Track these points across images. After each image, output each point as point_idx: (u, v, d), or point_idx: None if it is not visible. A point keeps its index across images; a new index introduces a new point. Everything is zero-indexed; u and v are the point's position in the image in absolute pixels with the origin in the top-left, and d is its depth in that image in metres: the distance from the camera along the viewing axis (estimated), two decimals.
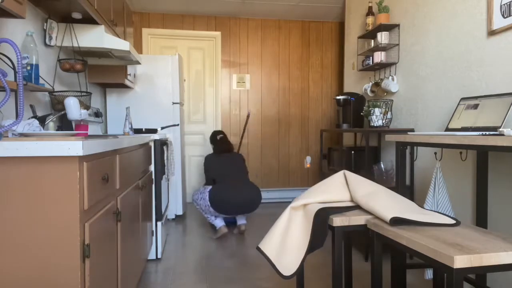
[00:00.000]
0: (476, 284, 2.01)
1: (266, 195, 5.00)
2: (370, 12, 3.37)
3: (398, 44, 3.11)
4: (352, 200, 1.82)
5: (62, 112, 2.16)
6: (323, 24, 5.17)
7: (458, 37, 2.43)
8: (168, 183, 3.44)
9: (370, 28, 3.34)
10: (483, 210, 2.12)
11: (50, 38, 2.32)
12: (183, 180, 4.16)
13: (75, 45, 2.45)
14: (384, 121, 3.01)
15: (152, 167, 2.74)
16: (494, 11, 2.09)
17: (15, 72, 1.61)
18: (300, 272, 1.90)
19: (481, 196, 2.13)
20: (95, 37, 2.48)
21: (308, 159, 5.16)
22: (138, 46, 4.70)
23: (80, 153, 1.10)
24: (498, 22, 2.07)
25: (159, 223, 2.79)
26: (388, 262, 2.61)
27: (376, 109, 3.01)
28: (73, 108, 2.09)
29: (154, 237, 2.77)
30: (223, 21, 4.89)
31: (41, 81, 2.17)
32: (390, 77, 3.21)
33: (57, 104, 2.21)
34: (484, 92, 2.21)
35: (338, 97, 3.44)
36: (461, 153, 2.37)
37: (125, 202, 1.76)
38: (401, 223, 1.48)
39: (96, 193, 1.29)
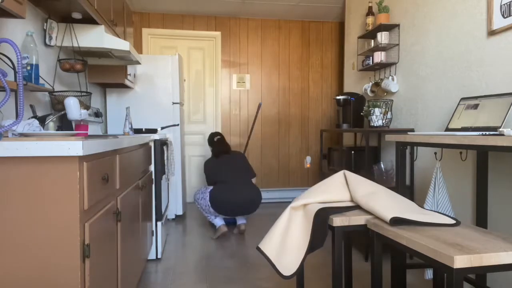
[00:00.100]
0: (476, 284, 2.01)
1: (266, 195, 5.00)
2: (370, 12, 3.37)
3: (398, 44, 3.11)
4: (352, 200, 1.82)
5: (62, 112, 2.16)
6: (323, 24, 5.17)
7: (458, 37, 2.43)
8: (168, 183, 3.44)
9: (370, 28, 3.34)
10: (483, 210, 2.12)
11: (50, 38, 2.32)
12: (183, 180, 4.16)
13: (75, 45, 2.45)
14: (384, 121, 3.01)
15: (152, 167, 2.74)
16: (494, 11, 2.09)
17: (15, 72, 1.61)
18: (300, 272, 1.90)
19: (481, 196, 2.13)
20: (95, 37, 2.48)
21: (308, 159, 5.16)
22: (138, 46, 4.70)
23: (80, 153, 1.10)
24: (498, 22, 2.07)
25: (159, 223, 2.80)
26: (388, 262, 2.61)
27: (376, 109, 3.01)
28: (73, 108, 2.09)
29: (154, 237, 2.77)
30: (223, 21, 4.90)
31: (41, 81, 2.17)
32: (390, 77, 3.21)
33: (57, 104, 2.21)
34: (484, 92, 2.21)
35: (338, 97, 3.44)
36: (461, 153, 2.37)
37: (125, 202, 1.76)
38: (401, 223, 1.48)
39: (96, 193, 1.29)
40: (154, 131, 3.30)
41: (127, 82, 3.34)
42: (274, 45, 5.05)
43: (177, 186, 4.01)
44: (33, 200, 1.10)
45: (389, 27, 3.14)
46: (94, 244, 1.26)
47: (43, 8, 2.23)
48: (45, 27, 2.28)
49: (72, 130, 2.37)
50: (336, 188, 1.82)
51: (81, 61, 2.35)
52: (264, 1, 4.38)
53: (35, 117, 1.94)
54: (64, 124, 2.34)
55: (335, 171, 2.08)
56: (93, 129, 2.94)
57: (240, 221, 3.50)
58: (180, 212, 4.05)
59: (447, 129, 2.25)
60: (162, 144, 2.84)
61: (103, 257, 1.38)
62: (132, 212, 1.95)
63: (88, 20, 2.42)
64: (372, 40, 3.43)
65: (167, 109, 3.92)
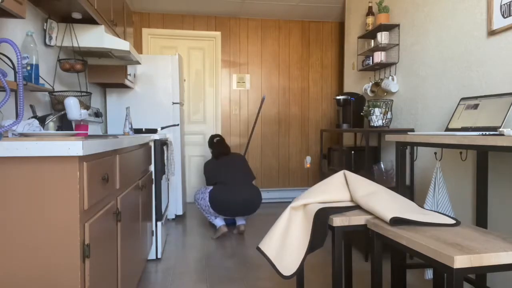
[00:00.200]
0: (476, 284, 2.01)
1: (266, 195, 5.00)
2: (370, 12, 3.37)
3: (398, 44, 3.11)
4: (352, 200, 1.82)
5: (62, 112, 2.16)
6: (323, 24, 5.17)
7: (458, 37, 2.43)
8: (168, 183, 3.44)
9: (370, 28, 3.34)
10: (483, 210, 2.12)
11: (50, 38, 2.32)
12: (183, 180, 4.16)
13: (75, 45, 2.45)
14: (384, 121, 3.01)
15: (152, 167, 2.74)
16: (494, 11, 2.09)
17: (15, 72, 1.61)
18: (300, 272, 1.90)
19: (481, 196, 2.13)
20: (95, 37, 2.48)
21: (308, 159, 5.16)
22: (138, 46, 4.70)
23: (80, 153, 1.10)
24: (498, 22, 2.07)
25: (159, 223, 2.80)
26: (388, 262, 2.61)
27: (376, 109, 3.01)
28: (73, 108, 2.09)
29: (154, 237, 2.77)
30: (223, 21, 4.90)
31: (41, 81, 2.17)
32: (390, 77, 3.21)
33: (57, 104, 2.21)
34: (484, 92, 2.21)
35: (338, 97, 3.44)
36: (461, 153, 2.37)
37: (125, 202, 1.76)
38: (401, 223, 1.48)
39: (96, 193, 1.29)
40: (154, 131, 3.30)
41: (127, 82, 3.34)
42: (274, 45, 5.05)
43: (177, 186, 4.01)
44: (33, 200, 1.10)
45: (389, 27, 3.14)
46: (94, 244, 1.26)
47: (43, 8, 2.23)
48: (45, 27, 2.28)
49: (72, 130, 2.37)
50: (336, 188, 1.82)
51: (81, 61, 2.35)
52: (264, 1, 4.38)
53: (35, 117, 1.94)
54: (64, 124, 2.34)
55: (335, 171, 2.08)
56: (93, 129, 2.94)
57: (240, 221, 3.50)
58: (180, 212, 4.05)
59: (447, 129, 2.25)
60: (162, 144, 2.84)
61: (103, 257, 1.38)
62: (132, 212, 1.95)
63: (88, 20, 2.42)
64: (372, 40, 3.43)
65: (167, 109, 3.92)
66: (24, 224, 1.10)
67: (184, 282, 2.39)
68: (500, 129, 1.62)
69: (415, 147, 2.74)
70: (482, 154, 2.12)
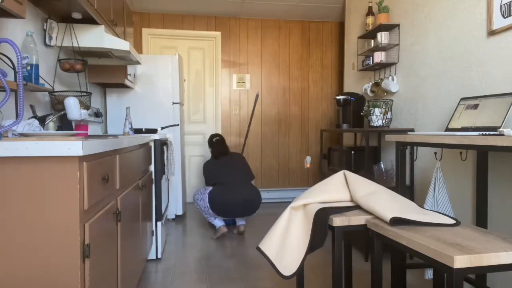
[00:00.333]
0: (476, 284, 2.01)
1: (266, 195, 5.00)
2: (370, 12, 3.37)
3: (398, 44, 3.11)
4: (352, 200, 1.82)
5: (62, 112, 2.16)
6: (323, 24, 5.17)
7: (458, 37, 2.43)
8: (168, 183, 3.44)
9: (370, 28, 3.34)
10: (483, 210, 2.12)
11: (50, 38, 2.32)
12: (183, 180, 4.16)
13: (75, 45, 2.45)
14: (384, 121, 3.01)
15: (152, 167, 2.74)
16: (494, 11, 2.09)
17: (15, 72, 1.61)
18: (300, 272, 1.90)
19: (481, 196, 2.13)
20: (95, 37, 2.48)
21: (308, 159, 5.16)
22: (138, 46, 4.70)
23: (80, 153, 1.10)
24: (498, 22, 2.07)
25: (159, 223, 2.80)
26: (388, 262, 2.61)
27: (376, 109, 3.01)
28: (73, 108, 2.09)
29: (154, 237, 2.77)
30: (223, 21, 4.90)
31: (41, 81, 2.17)
32: (390, 77, 3.21)
33: (57, 104, 2.21)
34: (484, 92, 2.21)
35: (338, 97, 3.44)
36: (461, 153, 2.37)
37: (125, 202, 1.76)
38: (401, 223, 1.48)
39: (96, 193, 1.29)
40: (154, 131, 3.30)
41: (127, 82, 3.34)
42: (274, 45, 5.05)
43: (177, 186, 4.01)
44: (33, 200, 1.10)
45: (389, 27, 3.15)
46: (94, 244, 1.26)
47: (43, 8, 2.23)
48: (45, 27, 2.28)
49: (72, 130, 2.37)
50: (336, 188, 1.82)
51: (81, 61, 2.35)
52: (264, 1, 4.38)
53: (35, 117, 1.94)
54: (64, 124, 2.34)
55: (335, 171, 2.08)
56: (93, 129, 2.94)
57: (240, 222, 3.50)
58: (180, 212, 4.05)
59: (447, 129, 2.25)
60: (162, 144, 2.84)
61: (103, 257, 1.38)
62: (132, 212, 1.95)
63: (88, 20, 2.42)
64: (372, 40, 3.43)
65: (167, 109, 3.92)
66: (24, 224, 1.10)
67: (184, 282, 2.39)
68: (500, 129, 1.62)
69: (415, 147, 2.74)
70: (482, 154, 2.12)
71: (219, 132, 4.93)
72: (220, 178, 3.40)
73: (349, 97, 3.39)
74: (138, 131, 3.29)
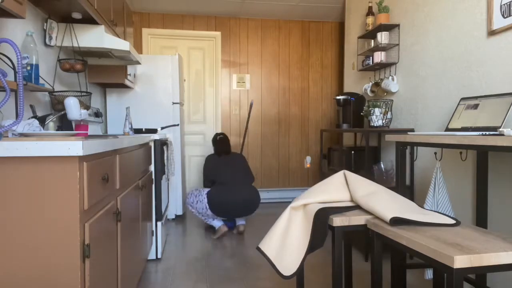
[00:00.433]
0: (476, 284, 2.01)
1: (266, 195, 5.00)
2: (370, 12, 3.37)
3: (398, 44, 3.11)
4: (352, 200, 1.82)
5: (62, 112, 2.16)
6: (323, 24, 5.17)
7: (458, 37, 2.43)
8: (168, 183, 3.44)
9: (370, 28, 3.34)
10: (483, 210, 2.12)
11: (50, 38, 2.32)
12: (183, 180, 4.16)
13: (75, 45, 2.45)
14: (384, 121, 3.01)
15: (152, 167, 2.74)
16: (494, 11, 2.09)
17: (15, 72, 1.61)
18: (300, 272, 1.90)
19: (481, 196, 2.13)
20: (95, 37, 2.48)
21: (308, 159, 5.16)
22: (138, 46, 4.70)
23: (80, 153, 1.10)
24: (498, 22, 2.07)
25: (159, 223, 2.79)
26: (388, 262, 2.61)
27: (376, 109, 3.01)
28: (73, 108, 2.09)
29: (154, 237, 2.77)
30: (223, 21, 4.89)
31: (41, 81, 2.17)
32: (390, 77, 3.21)
33: (57, 104, 2.21)
34: (484, 92, 2.21)
35: (338, 97, 3.44)
36: (461, 153, 2.37)
37: (125, 202, 1.76)
38: (401, 223, 1.48)
39: (96, 193, 1.29)
40: (154, 131, 3.30)
41: (127, 82, 3.34)
42: (274, 45, 5.05)
43: (177, 186, 4.01)
44: (33, 200, 1.10)
45: (389, 27, 3.14)
46: (94, 244, 1.26)
47: (43, 8, 2.23)
48: (45, 27, 2.28)
49: (72, 130, 2.37)
50: (336, 188, 1.82)
51: (81, 61, 2.35)
52: (264, 1, 4.38)
53: (35, 117, 1.94)
54: (64, 124, 2.34)
55: (335, 171, 2.08)
56: (93, 129, 2.94)
57: (239, 221, 3.50)
58: (180, 212, 4.05)
59: (447, 129, 2.25)
60: (162, 144, 2.84)
61: (103, 257, 1.38)
62: (132, 212, 1.95)
63: (88, 20, 2.42)
64: (372, 40, 3.43)
65: (167, 109, 3.92)
66: (24, 224, 1.10)
67: (184, 282, 2.39)
68: (500, 129, 1.62)
69: (415, 147, 2.74)
70: (482, 154, 2.12)
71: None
72: (220, 177, 3.40)
73: (349, 97, 3.39)
74: (138, 131, 3.28)
